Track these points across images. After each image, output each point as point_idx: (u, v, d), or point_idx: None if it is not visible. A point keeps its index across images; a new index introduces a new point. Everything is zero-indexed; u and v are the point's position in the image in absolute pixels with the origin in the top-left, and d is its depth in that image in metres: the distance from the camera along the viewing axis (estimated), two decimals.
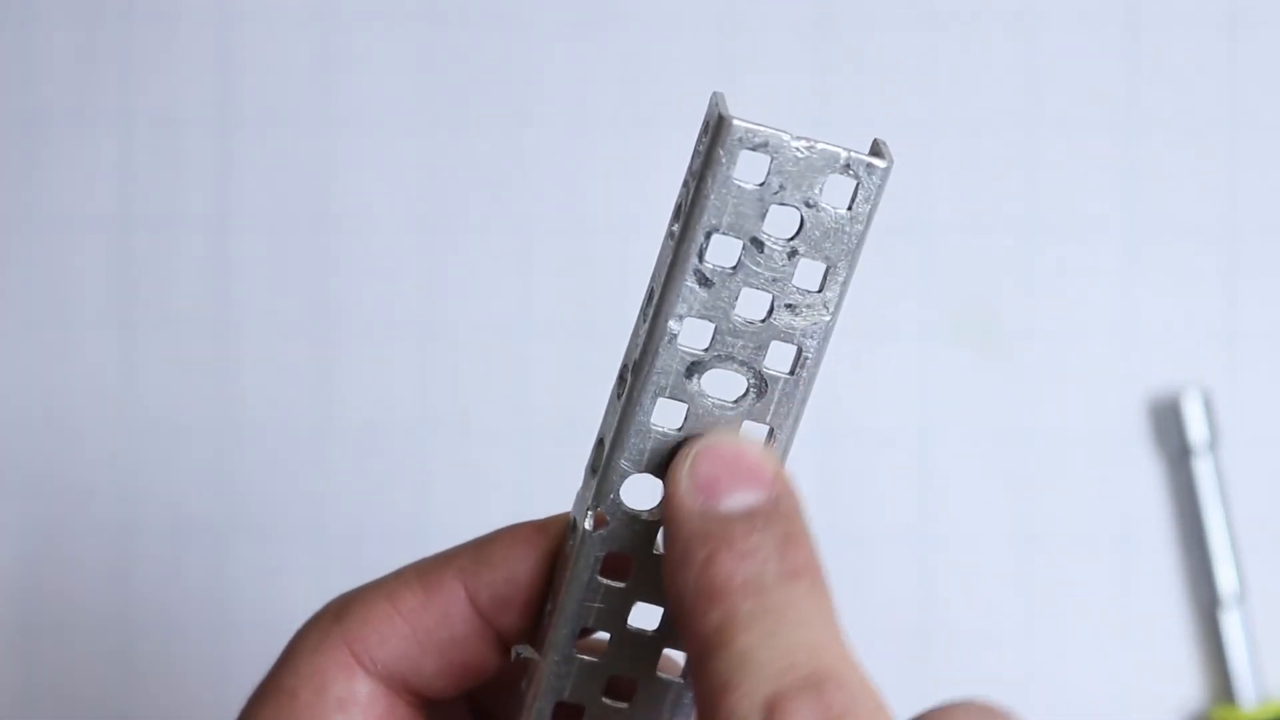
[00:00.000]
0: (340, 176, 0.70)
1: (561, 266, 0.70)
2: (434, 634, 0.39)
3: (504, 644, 0.40)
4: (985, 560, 0.69)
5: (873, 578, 0.69)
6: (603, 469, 0.38)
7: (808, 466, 0.69)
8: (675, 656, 0.39)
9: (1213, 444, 0.68)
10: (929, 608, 0.69)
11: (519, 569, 0.39)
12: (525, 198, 0.70)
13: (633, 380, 0.37)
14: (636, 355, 0.38)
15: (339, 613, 0.40)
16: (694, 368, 0.38)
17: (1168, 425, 0.69)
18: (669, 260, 0.37)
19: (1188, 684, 0.69)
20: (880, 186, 0.36)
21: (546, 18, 0.70)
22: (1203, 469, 0.68)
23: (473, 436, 0.69)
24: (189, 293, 0.70)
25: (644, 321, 0.37)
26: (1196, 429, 0.68)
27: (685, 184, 0.37)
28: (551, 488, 0.69)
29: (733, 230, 0.36)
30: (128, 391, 0.70)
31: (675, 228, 0.37)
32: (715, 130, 0.36)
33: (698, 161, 0.36)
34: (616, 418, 0.38)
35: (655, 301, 0.37)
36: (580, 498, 0.38)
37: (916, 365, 0.70)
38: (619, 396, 0.38)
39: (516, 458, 0.69)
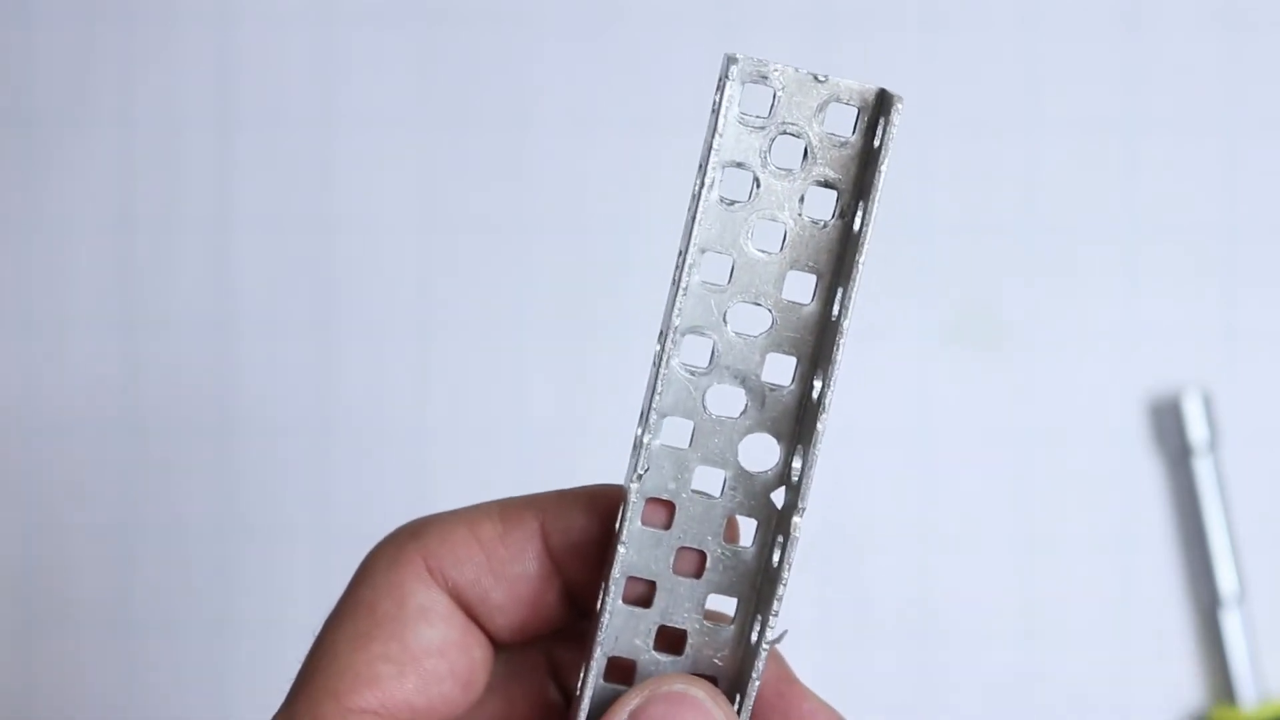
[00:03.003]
0: (340, 176, 0.70)
1: (561, 266, 0.70)
2: (506, 566, 0.40)
3: (571, 597, 0.40)
4: (985, 560, 0.69)
5: (873, 577, 0.69)
6: (641, 434, 0.38)
7: None
8: (724, 604, 0.40)
9: (1213, 444, 0.68)
10: (929, 607, 0.69)
11: (594, 525, 0.40)
12: (525, 198, 0.70)
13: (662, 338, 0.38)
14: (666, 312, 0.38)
15: (416, 531, 0.40)
16: (721, 306, 0.38)
17: (1168, 425, 0.69)
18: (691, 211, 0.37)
19: (1188, 684, 0.69)
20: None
21: (546, 18, 0.70)
22: (1203, 469, 0.68)
23: (473, 436, 0.69)
24: (189, 293, 0.70)
25: (673, 282, 0.38)
26: (1196, 429, 0.68)
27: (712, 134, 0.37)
28: (551, 487, 0.69)
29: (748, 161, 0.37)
30: (128, 391, 0.70)
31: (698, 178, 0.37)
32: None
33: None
34: (652, 380, 0.38)
35: (680, 254, 0.37)
36: (627, 469, 0.39)
37: (916, 365, 0.70)
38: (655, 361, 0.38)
39: (516, 457, 0.69)
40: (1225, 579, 0.68)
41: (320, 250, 0.70)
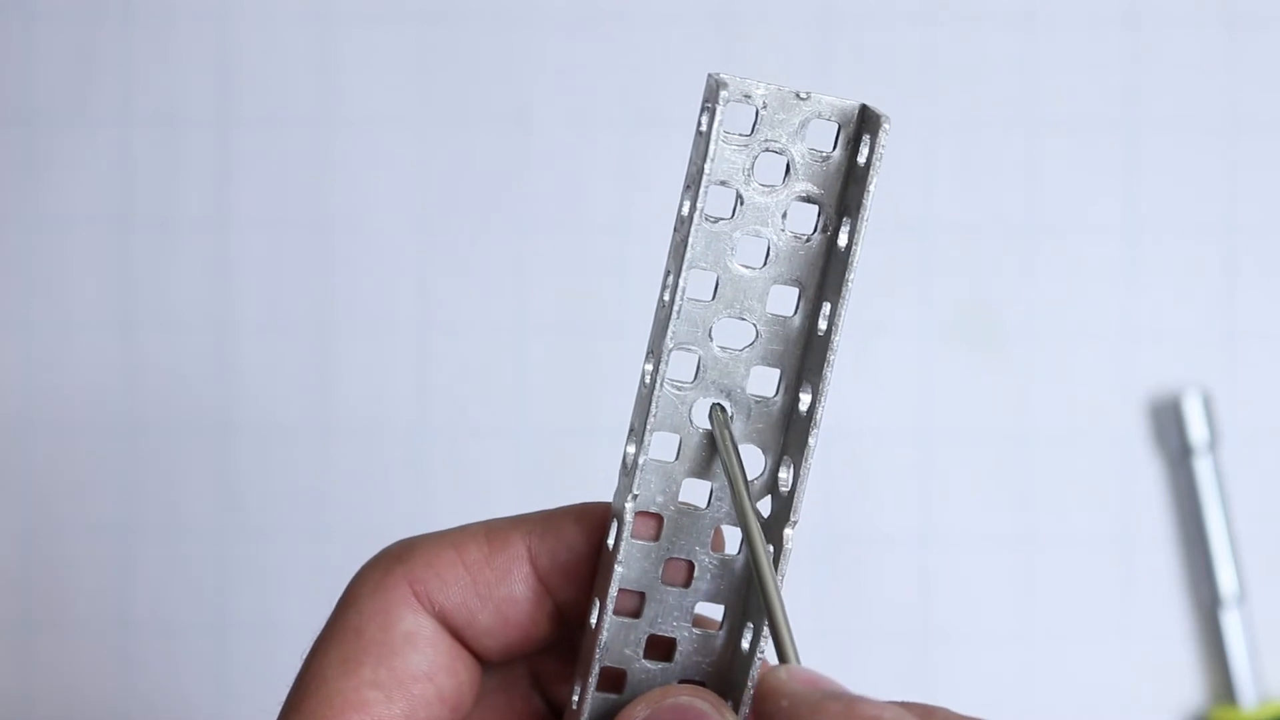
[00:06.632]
0: (340, 176, 0.70)
1: (561, 266, 0.70)
2: (493, 588, 0.40)
3: (560, 615, 0.40)
4: (985, 560, 0.69)
5: (873, 578, 0.69)
6: (635, 454, 0.38)
7: None
8: (712, 611, 0.40)
9: (1213, 444, 0.68)
10: (929, 608, 0.69)
11: (582, 542, 0.40)
12: (525, 198, 0.70)
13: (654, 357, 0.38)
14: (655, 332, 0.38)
15: (401, 554, 0.40)
16: (707, 323, 0.38)
17: (1168, 425, 0.69)
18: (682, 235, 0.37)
19: (1188, 684, 0.69)
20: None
21: (546, 17, 0.70)
22: (1203, 469, 0.68)
23: (472, 436, 0.69)
24: (189, 293, 0.70)
25: (661, 302, 0.38)
26: (1196, 429, 0.68)
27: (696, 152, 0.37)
28: (551, 487, 0.69)
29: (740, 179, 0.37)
30: (128, 391, 0.70)
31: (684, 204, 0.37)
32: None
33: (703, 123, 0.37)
34: (642, 403, 0.38)
35: (668, 274, 0.37)
36: (619, 488, 0.39)
37: (916, 365, 0.70)
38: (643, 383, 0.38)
39: (516, 458, 0.69)
40: (1225, 579, 0.68)
41: (320, 250, 0.70)
